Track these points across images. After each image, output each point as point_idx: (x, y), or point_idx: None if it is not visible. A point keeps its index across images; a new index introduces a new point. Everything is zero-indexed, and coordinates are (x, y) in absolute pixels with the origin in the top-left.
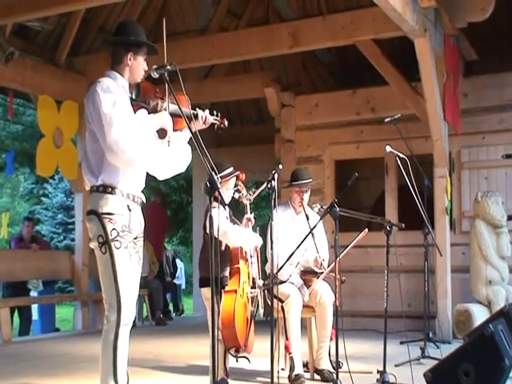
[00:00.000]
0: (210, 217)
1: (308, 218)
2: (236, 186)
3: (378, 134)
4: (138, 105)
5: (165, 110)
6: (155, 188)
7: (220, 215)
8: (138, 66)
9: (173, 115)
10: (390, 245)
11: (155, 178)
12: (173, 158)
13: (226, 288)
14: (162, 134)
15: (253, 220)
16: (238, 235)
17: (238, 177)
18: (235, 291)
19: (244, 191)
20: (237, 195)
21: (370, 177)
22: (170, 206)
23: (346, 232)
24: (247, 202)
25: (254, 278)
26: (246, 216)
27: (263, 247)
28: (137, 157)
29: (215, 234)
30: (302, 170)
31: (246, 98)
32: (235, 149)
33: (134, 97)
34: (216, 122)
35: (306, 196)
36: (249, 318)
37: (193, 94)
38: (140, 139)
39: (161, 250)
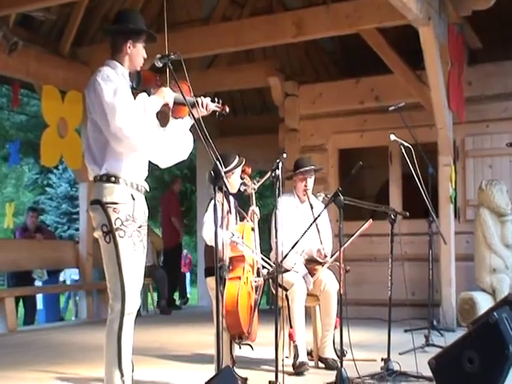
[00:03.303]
0: (215, 206)
1: (312, 207)
2: (242, 179)
3: (382, 123)
4: (138, 93)
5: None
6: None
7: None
8: (138, 53)
9: (175, 103)
10: (395, 233)
11: (158, 166)
12: (174, 145)
13: (230, 275)
14: (162, 122)
15: (258, 213)
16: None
17: (243, 170)
18: (239, 278)
19: (249, 184)
20: (242, 188)
21: (374, 165)
22: None
23: (351, 221)
24: (252, 191)
25: (258, 268)
26: (251, 208)
27: (267, 235)
28: (141, 141)
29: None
30: (305, 158)
31: (249, 88)
32: (239, 138)
33: (134, 85)
34: (217, 108)
35: (310, 183)
36: (252, 305)
37: (196, 83)
38: (143, 123)
39: (169, 235)
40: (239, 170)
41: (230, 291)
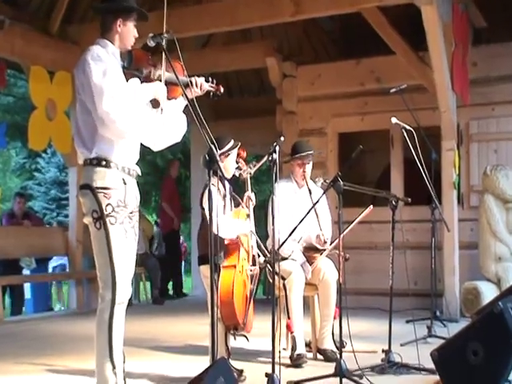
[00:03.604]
0: (209, 191)
1: (311, 193)
2: (237, 163)
3: (383, 106)
4: (130, 73)
5: (158, 78)
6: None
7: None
8: (128, 32)
9: (167, 83)
10: (396, 220)
11: (150, 149)
12: (167, 127)
13: (225, 263)
14: (155, 103)
15: (254, 199)
16: (224, 228)
17: (238, 154)
18: (234, 266)
19: (245, 168)
20: (237, 172)
21: (375, 150)
22: None
23: (350, 207)
24: (247, 176)
25: (254, 256)
26: (246, 193)
27: (264, 222)
28: (128, 128)
29: (213, 211)
30: (303, 142)
31: (246, 68)
32: (234, 121)
33: (125, 65)
34: (211, 88)
35: (308, 168)
36: (248, 295)
37: (190, 64)
38: (132, 109)
39: (162, 222)
40: (234, 153)
41: (225, 280)
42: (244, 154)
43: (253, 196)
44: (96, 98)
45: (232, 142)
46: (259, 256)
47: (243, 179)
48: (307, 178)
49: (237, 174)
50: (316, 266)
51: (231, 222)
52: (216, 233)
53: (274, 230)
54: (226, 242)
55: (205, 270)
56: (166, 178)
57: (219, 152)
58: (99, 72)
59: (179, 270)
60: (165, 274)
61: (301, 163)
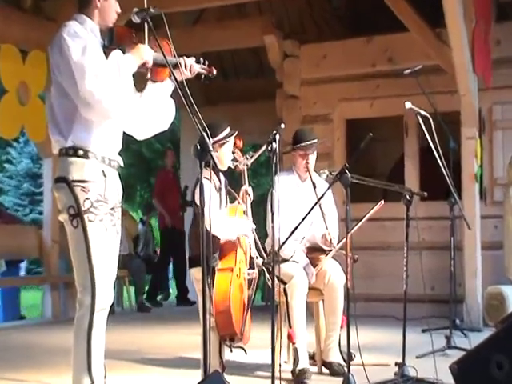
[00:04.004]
0: (201, 184)
1: (315, 186)
2: (232, 153)
3: (397, 89)
4: (111, 53)
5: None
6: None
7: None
8: (110, 7)
9: (153, 64)
10: (411, 217)
11: (134, 138)
12: (153, 113)
13: (220, 265)
14: (140, 80)
15: (251, 194)
16: (223, 228)
17: (234, 143)
18: (231, 269)
19: (241, 159)
20: (233, 164)
21: (387, 138)
22: (153, 174)
23: (359, 203)
24: (244, 168)
25: (252, 258)
26: (243, 187)
27: (263, 220)
28: (116, 106)
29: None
30: (306, 130)
31: (242, 47)
32: (229, 106)
33: (106, 43)
34: (203, 70)
35: (312, 159)
36: (246, 302)
37: (180, 42)
38: (117, 85)
39: (159, 216)
40: (230, 142)
41: (221, 285)
42: (240, 144)
43: (250, 190)
44: (78, 78)
45: (228, 130)
46: (257, 258)
47: (239, 171)
48: (311, 170)
49: (232, 166)
50: (321, 268)
51: (230, 220)
52: (209, 231)
53: (273, 228)
54: (221, 242)
55: (196, 272)
56: (160, 171)
57: (213, 140)
58: (78, 49)
59: (184, 274)
60: (155, 277)
61: (304, 154)
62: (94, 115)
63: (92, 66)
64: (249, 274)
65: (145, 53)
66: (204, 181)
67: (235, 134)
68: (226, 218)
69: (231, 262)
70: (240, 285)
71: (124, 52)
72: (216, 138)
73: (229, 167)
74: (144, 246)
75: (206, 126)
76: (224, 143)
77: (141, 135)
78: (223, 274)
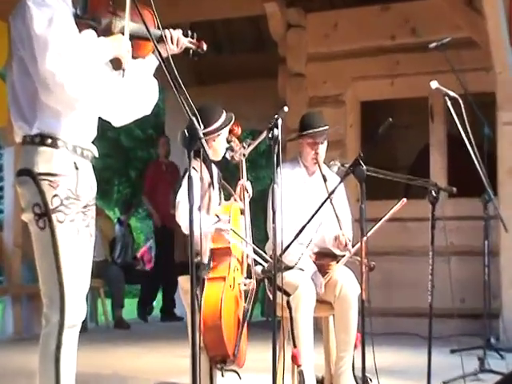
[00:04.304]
0: (189, 179)
1: (325, 180)
2: (228, 142)
3: (420, 66)
4: (84, 23)
5: (121, 31)
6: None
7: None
8: None
9: (133, 37)
10: (437, 217)
11: (111, 124)
12: (133, 95)
13: (211, 274)
14: (117, 63)
15: (250, 190)
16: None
17: (231, 130)
18: (223, 279)
19: (237, 148)
20: (229, 155)
21: (410, 124)
22: (134, 165)
23: (376, 200)
24: (242, 159)
25: (249, 265)
26: (240, 182)
27: (263, 220)
28: (81, 94)
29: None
30: (316, 115)
31: (238, 17)
32: (223, 86)
33: (79, 13)
34: (191, 45)
35: (322, 149)
36: (241, 318)
37: (165, 11)
38: (85, 70)
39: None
40: (227, 130)
41: (211, 297)
42: (238, 131)
43: (249, 185)
44: (38, 54)
45: (224, 116)
46: (255, 265)
47: (236, 163)
48: (320, 161)
49: (228, 157)
50: (331, 277)
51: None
52: (199, 231)
53: (275, 229)
54: (212, 246)
55: (184, 282)
56: (151, 162)
57: (206, 130)
58: (43, 20)
59: (172, 283)
60: (147, 286)
61: (312, 142)
62: (54, 101)
63: (57, 42)
64: (245, 284)
65: (122, 47)
66: (192, 173)
67: (232, 120)
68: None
69: (224, 270)
70: (234, 297)
71: (99, 23)
72: (210, 128)
73: (224, 157)
74: (122, 251)
75: (197, 109)
76: (220, 133)
77: (119, 121)
78: (214, 285)
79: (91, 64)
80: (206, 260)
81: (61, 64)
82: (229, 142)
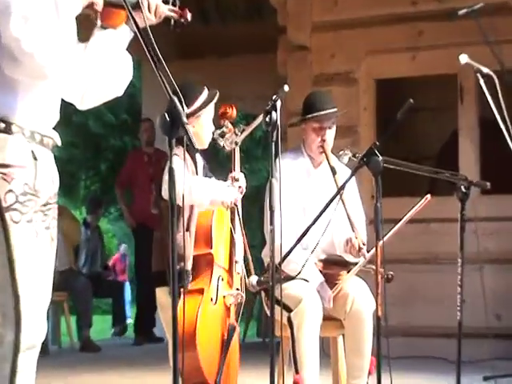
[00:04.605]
0: (170, 171)
1: (334, 172)
2: (221, 127)
3: (448, 37)
4: None
5: None
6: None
7: (183, 169)
8: None
9: (104, 3)
10: (467, 217)
11: (76, 107)
12: (102, 72)
13: (190, 287)
14: (85, 25)
15: (244, 183)
16: (201, 188)
17: (224, 113)
18: (201, 292)
19: (230, 135)
20: (221, 142)
21: (435, 106)
22: (104, 156)
23: (395, 197)
24: (234, 148)
25: (240, 273)
26: (232, 175)
27: (259, 221)
28: (53, 63)
29: (179, 199)
30: (322, 95)
31: None
32: (211, 62)
33: None
34: (173, 14)
35: (330, 136)
36: (226, 336)
37: None
38: (55, 32)
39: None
40: (209, 110)
41: (186, 313)
42: (233, 113)
43: (242, 179)
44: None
45: (206, 92)
46: (248, 275)
47: (228, 152)
48: (328, 150)
49: (221, 144)
50: (341, 289)
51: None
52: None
53: (273, 232)
54: (194, 253)
55: (162, 294)
56: (132, 151)
57: (187, 111)
58: None
59: (149, 295)
60: (124, 300)
61: (318, 127)
62: (22, 73)
63: (21, 4)
64: (233, 295)
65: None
66: (175, 161)
67: (216, 98)
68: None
69: (203, 281)
70: (217, 313)
71: None
72: (191, 109)
73: (214, 144)
74: (88, 259)
75: (178, 87)
76: (201, 113)
77: (86, 103)
78: (189, 299)
79: (60, 26)
80: (189, 267)
81: (27, 29)
82: (221, 126)
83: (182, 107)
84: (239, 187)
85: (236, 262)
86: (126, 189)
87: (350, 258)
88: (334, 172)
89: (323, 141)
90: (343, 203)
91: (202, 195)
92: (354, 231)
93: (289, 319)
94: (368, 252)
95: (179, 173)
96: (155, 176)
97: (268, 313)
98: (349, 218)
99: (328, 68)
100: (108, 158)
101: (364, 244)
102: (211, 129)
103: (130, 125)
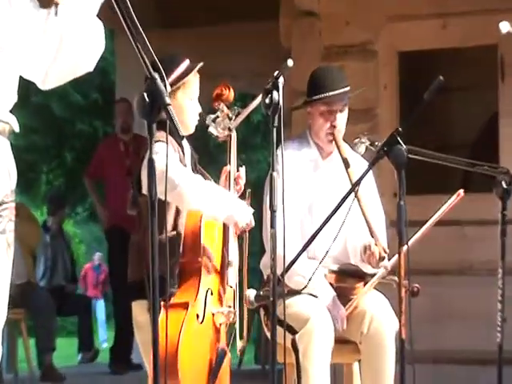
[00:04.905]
0: (150, 162)
1: (347, 165)
2: (215, 110)
3: (484, 1)
4: None
5: None
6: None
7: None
8: None
9: None
10: (509, 219)
11: (37, 86)
12: (69, 42)
13: (172, 300)
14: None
15: (243, 177)
16: (202, 192)
17: (219, 94)
18: (185, 306)
19: (223, 120)
20: (213, 130)
21: (470, 85)
22: (70, 144)
23: (421, 194)
24: (227, 134)
25: (233, 289)
26: (226, 168)
27: (257, 225)
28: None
29: (160, 194)
30: (332, 71)
31: None
32: (200, 31)
33: None
34: None
35: (341, 120)
36: (214, 362)
37: None
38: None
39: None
40: (190, 85)
41: (169, 331)
42: (230, 95)
43: (242, 172)
44: None
45: (186, 63)
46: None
47: (220, 141)
48: (339, 138)
49: (214, 132)
50: (356, 307)
51: (212, 186)
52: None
53: (274, 237)
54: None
55: (139, 310)
56: (106, 138)
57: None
58: None
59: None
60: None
61: (326, 110)
62: None
63: None
64: (224, 315)
65: None
66: (158, 146)
67: (197, 68)
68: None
69: (189, 294)
70: (204, 333)
71: None
72: (170, 79)
73: (199, 130)
74: (47, 269)
75: (159, 61)
76: (179, 87)
77: (50, 81)
78: (173, 314)
79: None
80: (175, 273)
81: None
82: (216, 109)
83: (165, 85)
84: (238, 185)
85: (229, 265)
86: (95, 181)
87: (367, 269)
88: (347, 165)
89: (333, 127)
90: (359, 202)
91: (217, 205)
92: (373, 236)
93: (293, 343)
94: (389, 260)
95: (172, 161)
96: (133, 169)
97: (268, 335)
98: (366, 221)
99: (341, 38)
100: (75, 146)
101: (386, 252)
102: (195, 109)
103: (101, 106)
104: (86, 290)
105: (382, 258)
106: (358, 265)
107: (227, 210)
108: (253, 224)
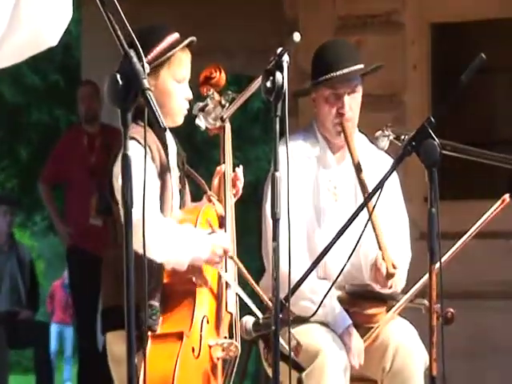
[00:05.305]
0: (125, 159)
1: (359, 170)
2: (205, 96)
3: None
4: None
5: None
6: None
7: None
8: None
9: None
10: None
11: None
12: (26, 13)
13: (161, 329)
14: None
15: (241, 179)
16: (167, 243)
17: (207, 79)
18: (180, 336)
19: (214, 108)
20: (202, 122)
21: None
22: (25, 137)
23: (459, 200)
24: (219, 125)
25: (232, 315)
26: (219, 168)
27: (256, 236)
28: None
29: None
30: (340, 46)
31: None
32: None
33: None
34: None
35: (352, 106)
36: None
37: None
38: None
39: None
40: (178, 63)
41: (158, 368)
42: (221, 78)
43: (240, 172)
44: None
45: (174, 36)
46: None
47: (211, 133)
48: (348, 131)
49: (202, 125)
50: (377, 337)
51: (182, 229)
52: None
53: (276, 251)
54: (165, 279)
55: (114, 342)
56: (68, 129)
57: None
58: None
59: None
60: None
61: (334, 94)
62: None
63: None
64: (223, 348)
65: None
66: (132, 148)
67: (185, 43)
68: (173, 224)
69: (182, 321)
70: (200, 369)
71: None
72: (149, 56)
73: (188, 124)
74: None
75: (136, 35)
76: (163, 64)
77: (2, 59)
78: (163, 347)
79: None
80: (156, 302)
81: None
82: (205, 95)
83: (142, 65)
84: (235, 188)
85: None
86: (54, 186)
87: (384, 291)
88: (358, 169)
89: (340, 115)
90: (368, 212)
91: (178, 252)
92: (380, 248)
93: (299, 381)
94: (415, 283)
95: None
96: (98, 168)
97: (269, 372)
98: (374, 229)
99: (359, 7)
100: (30, 139)
101: (395, 267)
102: (184, 94)
103: (63, 90)
104: (52, 313)
105: (390, 275)
106: (372, 284)
107: (189, 253)
108: (230, 250)
